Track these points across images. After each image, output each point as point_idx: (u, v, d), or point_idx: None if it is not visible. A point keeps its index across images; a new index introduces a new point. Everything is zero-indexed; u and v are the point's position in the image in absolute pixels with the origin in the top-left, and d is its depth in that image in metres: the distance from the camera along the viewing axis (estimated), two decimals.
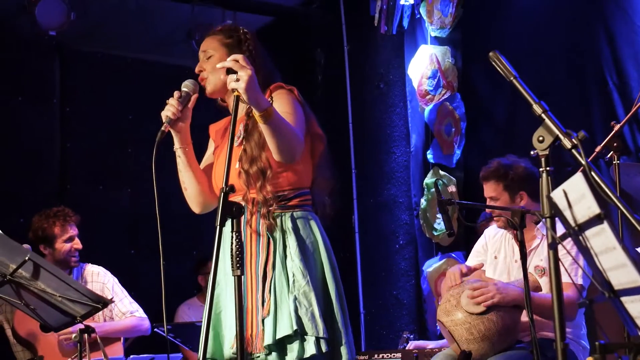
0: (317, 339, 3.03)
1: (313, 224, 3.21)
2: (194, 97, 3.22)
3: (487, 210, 4.48)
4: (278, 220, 3.14)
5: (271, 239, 3.12)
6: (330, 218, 3.34)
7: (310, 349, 3.03)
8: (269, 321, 3.05)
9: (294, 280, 3.08)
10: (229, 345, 3.10)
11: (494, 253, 4.27)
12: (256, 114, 2.96)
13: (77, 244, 5.22)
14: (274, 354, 3.06)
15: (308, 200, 3.24)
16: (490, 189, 4.21)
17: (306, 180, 3.25)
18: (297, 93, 3.24)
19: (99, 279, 5.29)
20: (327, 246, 3.21)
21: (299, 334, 3.03)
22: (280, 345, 3.06)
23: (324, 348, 3.04)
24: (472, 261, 4.30)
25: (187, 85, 3.21)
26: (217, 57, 3.23)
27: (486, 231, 4.40)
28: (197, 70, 3.30)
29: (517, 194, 4.16)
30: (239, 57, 2.92)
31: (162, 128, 3.08)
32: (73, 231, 5.23)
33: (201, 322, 4.29)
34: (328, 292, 3.15)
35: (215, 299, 3.17)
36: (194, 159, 3.30)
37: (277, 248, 3.12)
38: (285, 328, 3.03)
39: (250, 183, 3.13)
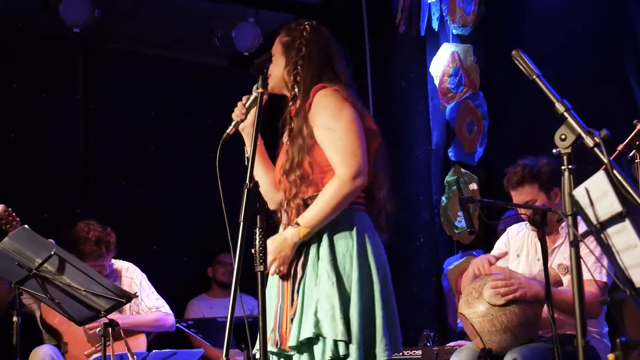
0: (335, 342, 3.03)
1: (356, 221, 3.18)
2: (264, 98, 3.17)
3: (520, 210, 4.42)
4: None
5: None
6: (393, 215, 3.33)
7: (328, 352, 3.03)
8: (295, 322, 3.08)
9: (319, 281, 3.09)
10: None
11: (517, 251, 4.25)
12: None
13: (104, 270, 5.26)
14: (305, 354, 3.09)
15: (357, 197, 3.20)
16: (525, 193, 4.12)
17: None
18: (342, 93, 3.19)
19: (128, 274, 5.43)
20: (364, 246, 3.18)
21: (320, 336, 3.04)
22: (309, 345, 3.08)
23: (341, 351, 3.03)
24: None
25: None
26: (276, 55, 3.30)
27: (509, 229, 4.38)
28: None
29: (552, 191, 4.12)
30: None
31: (228, 130, 3.13)
32: (104, 263, 5.27)
33: (222, 317, 4.30)
34: (365, 294, 3.11)
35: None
36: (263, 156, 3.34)
37: (310, 249, 3.14)
38: (307, 330, 3.04)
39: (289, 189, 3.16)
